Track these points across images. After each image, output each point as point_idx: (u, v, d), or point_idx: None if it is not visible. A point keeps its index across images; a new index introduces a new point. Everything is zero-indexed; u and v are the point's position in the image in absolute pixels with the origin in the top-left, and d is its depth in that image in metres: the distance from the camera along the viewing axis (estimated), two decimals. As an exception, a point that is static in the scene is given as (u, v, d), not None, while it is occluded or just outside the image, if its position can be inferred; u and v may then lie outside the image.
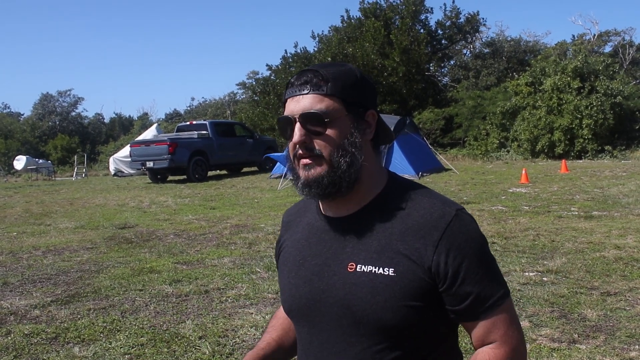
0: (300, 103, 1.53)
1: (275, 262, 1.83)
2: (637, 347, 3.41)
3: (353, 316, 1.52)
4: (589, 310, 4.09)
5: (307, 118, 1.52)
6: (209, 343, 3.70)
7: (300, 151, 1.54)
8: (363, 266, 1.51)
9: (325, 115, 1.51)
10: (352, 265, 1.53)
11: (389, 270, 1.49)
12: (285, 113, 1.57)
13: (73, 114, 62.32)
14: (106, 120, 65.08)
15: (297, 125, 1.53)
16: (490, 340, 1.52)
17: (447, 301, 1.51)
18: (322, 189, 1.53)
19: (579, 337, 3.61)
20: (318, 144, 1.53)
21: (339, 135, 1.52)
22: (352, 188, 1.55)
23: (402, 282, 1.48)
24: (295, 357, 1.76)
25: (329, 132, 1.52)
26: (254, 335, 3.85)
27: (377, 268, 1.50)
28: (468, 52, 39.08)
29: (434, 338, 1.57)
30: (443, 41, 36.94)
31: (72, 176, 28.41)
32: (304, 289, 1.61)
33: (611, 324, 3.83)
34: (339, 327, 1.55)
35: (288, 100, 1.57)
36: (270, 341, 1.81)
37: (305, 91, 1.53)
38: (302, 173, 1.54)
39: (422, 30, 33.84)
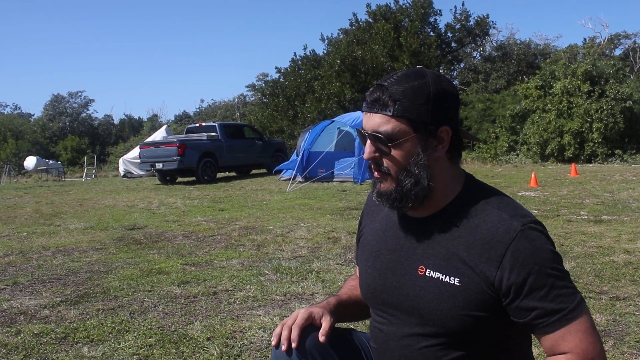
0: (370, 121, 1.59)
1: (355, 242, 1.98)
2: (646, 352, 3.40)
3: (421, 317, 1.61)
4: (598, 314, 4.07)
5: (374, 138, 1.58)
6: (217, 344, 3.71)
7: (372, 165, 1.63)
8: (432, 271, 1.59)
9: (389, 139, 1.56)
10: (422, 268, 1.61)
11: (454, 280, 1.55)
12: (362, 126, 1.63)
13: (83, 115, 62.62)
14: (116, 122, 65.36)
15: (368, 142, 1.61)
16: (561, 351, 1.51)
17: (511, 314, 1.54)
18: (390, 202, 1.63)
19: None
20: (385, 162, 1.60)
21: (404, 156, 1.58)
22: (422, 203, 1.62)
23: (466, 293, 1.54)
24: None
25: (394, 153, 1.57)
26: (262, 337, 3.86)
27: (444, 276, 1.57)
28: (478, 55, 38.98)
29: (497, 343, 1.62)
30: (453, 44, 36.87)
31: (81, 177, 28.57)
32: (379, 281, 1.72)
33: (620, 329, 3.81)
34: (408, 322, 1.65)
35: (364, 113, 1.63)
36: (350, 294, 1.95)
37: (375, 110, 1.58)
38: (377, 184, 1.65)
39: (431, 33, 33.77)
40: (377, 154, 1.60)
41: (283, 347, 1.66)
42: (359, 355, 1.83)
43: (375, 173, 1.64)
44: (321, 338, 1.68)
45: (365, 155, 1.62)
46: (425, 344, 1.62)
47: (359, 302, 1.91)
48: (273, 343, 1.70)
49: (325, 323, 1.71)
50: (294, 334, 1.66)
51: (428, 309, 1.59)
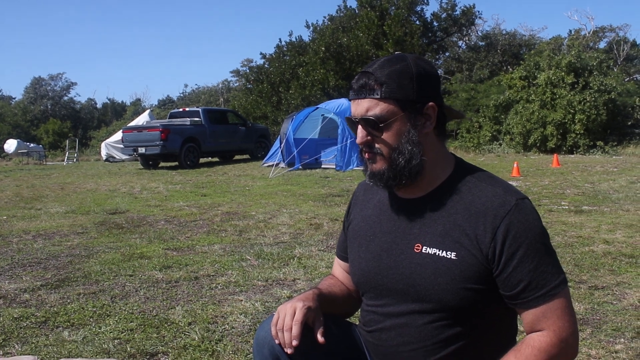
0: (359, 107, 1.64)
1: (343, 231, 1.98)
2: (622, 340, 3.45)
3: (417, 294, 1.64)
4: (577, 303, 4.12)
5: (365, 122, 1.63)
6: (199, 329, 3.71)
7: (365, 148, 1.67)
8: (428, 248, 1.63)
9: (379, 120, 1.62)
10: (419, 246, 1.65)
11: (451, 254, 1.60)
12: (351, 114, 1.68)
13: (65, 98, 61.95)
14: (99, 106, 64.76)
15: (359, 128, 1.66)
16: (539, 328, 1.57)
17: (500, 286, 1.60)
18: (384, 182, 1.67)
19: (565, 329, 3.64)
20: (377, 144, 1.65)
21: (395, 136, 1.63)
22: (415, 179, 1.66)
23: (462, 266, 1.58)
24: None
25: (385, 135, 1.63)
26: (243, 322, 3.87)
27: (440, 251, 1.61)
28: (463, 45, 39.07)
29: (492, 318, 1.67)
30: (438, 33, 36.87)
31: (63, 161, 28.27)
32: (373, 264, 1.74)
33: (598, 318, 3.86)
34: (404, 302, 1.67)
35: (351, 102, 1.68)
36: (330, 290, 1.92)
37: (362, 95, 1.63)
38: (369, 165, 1.69)
39: (417, 22, 33.73)
40: (369, 138, 1.65)
41: (289, 351, 1.64)
42: (350, 345, 1.85)
43: (367, 154, 1.68)
44: (320, 339, 1.69)
45: (358, 140, 1.66)
46: (423, 321, 1.65)
47: (336, 299, 1.91)
48: (277, 342, 1.68)
49: (319, 322, 1.71)
50: (295, 331, 1.64)
51: (425, 285, 1.62)
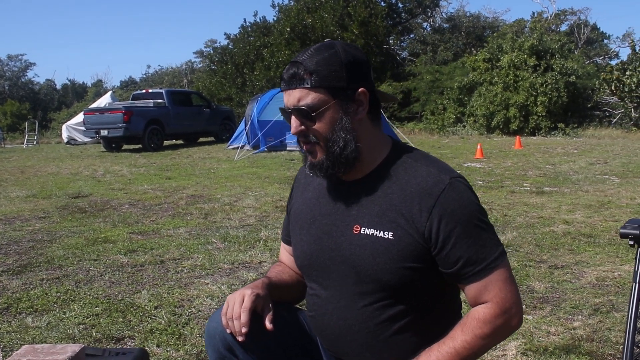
0: (291, 97, 1.65)
1: (287, 215, 1.99)
2: (580, 317, 3.55)
3: (357, 275, 1.66)
4: (537, 282, 4.22)
5: (297, 112, 1.65)
6: (165, 313, 3.71)
7: (301, 138, 1.69)
8: (366, 229, 1.65)
9: (311, 110, 1.63)
10: (357, 227, 1.67)
11: (388, 234, 1.62)
12: (284, 104, 1.69)
13: (23, 79, 60.45)
14: (58, 87, 63.37)
15: (293, 118, 1.67)
16: (482, 301, 1.62)
17: (439, 264, 1.63)
18: (323, 172, 1.69)
19: (526, 308, 3.73)
20: (312, 133, 1.66)
21: (328, 124, 1.64)
22: (353, 165, 1.68)
23: (399, 246, 1.61)
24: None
25: (318, 124, 1.64)
26: (210, 305, 3.87)
27: (378, 231, 1.63)
28: (428, 27, 39.20)
29: (433, 294, 1.71)
30: (403, 14, 36.90)
31: (22, 144, 27.69)
32: (315, 247, 1.76)
33: (557, 296, 3.96)
34: (345, 283, 1.70)
35: (283, 92, 1.69)
36: (279, 278, 1.94)
37: (293, 86, 1.64)
38: (308, 157, 1.71)
39: (382, 3, 33.68)
40: (303, 127, 1.66)
41: (240, 339, 1.66)
42: (301, 332, 1.87)
43: (305, 146, 1.70)
44: (269, 325, 1.70)
45: (292, 131, 1.67)
46: (363, 303, 1.67)
47: (286, 286, 1.93)
48: (228, 331, 1.69)
49: (268, 309, 1.73)
50: (244, 319, 1.65)
51: (364, 266, 1.64)
